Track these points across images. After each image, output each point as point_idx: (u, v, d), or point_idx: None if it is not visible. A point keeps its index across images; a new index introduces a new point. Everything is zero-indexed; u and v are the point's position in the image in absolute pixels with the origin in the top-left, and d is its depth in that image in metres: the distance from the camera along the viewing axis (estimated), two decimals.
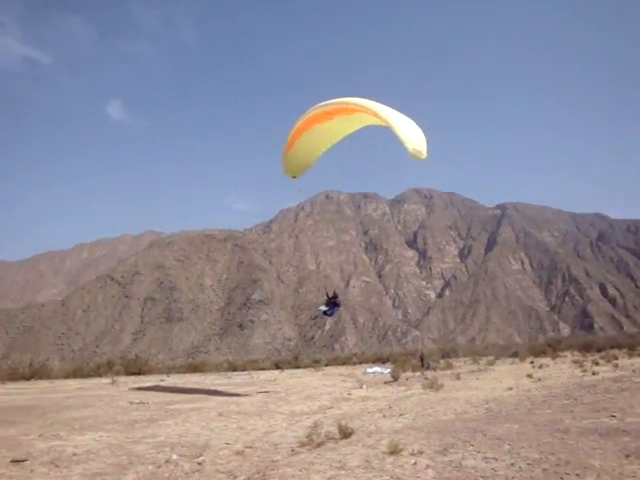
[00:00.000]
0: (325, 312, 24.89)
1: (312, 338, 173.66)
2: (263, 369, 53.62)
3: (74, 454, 10.06)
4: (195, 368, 52.35)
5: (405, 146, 17.72)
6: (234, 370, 51.91)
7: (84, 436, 12.28)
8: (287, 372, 44.88)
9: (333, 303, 24.96)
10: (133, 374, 44.51)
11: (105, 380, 36.94)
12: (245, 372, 48.27)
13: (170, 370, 49.79)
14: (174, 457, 9.88)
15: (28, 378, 42.87)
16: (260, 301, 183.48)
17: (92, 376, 44.80)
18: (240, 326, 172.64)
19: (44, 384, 36.30)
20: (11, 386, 34.36)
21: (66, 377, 44.24)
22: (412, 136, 18.30)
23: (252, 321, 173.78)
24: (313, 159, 24.18)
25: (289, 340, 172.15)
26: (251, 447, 10.85)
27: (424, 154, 18.27)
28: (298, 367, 53.87)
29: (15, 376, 43.55)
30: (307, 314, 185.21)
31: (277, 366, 55.87)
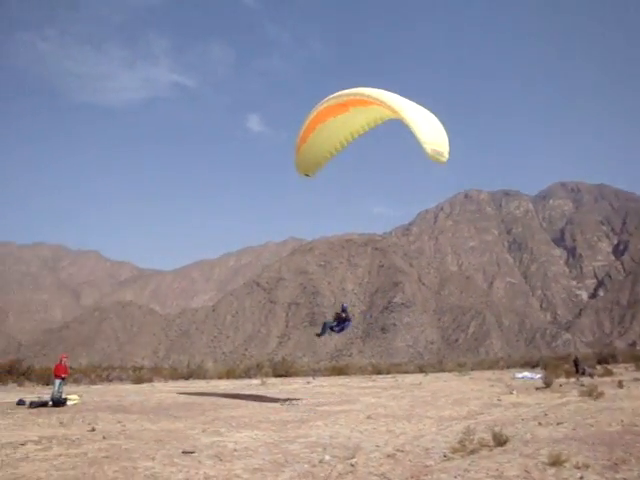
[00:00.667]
0: (332, 327, 23.23)
1: (456, 341, 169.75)
2: (407, 372, 53.24)
3: (235, 450, 10.64)
4: (339, 371, 53.21)
5: (423, 147, 15.61)
6: (378, 373, 52.01)
7: (241, 433, 12.94)
8: (432, 376, 44.21)
9: (343, 319, 23.44)
10: (280, 376, 46.19)
11: (255, 381, 38.72)
12: (389, 375, 48.24)
13: (315, 372, 51.06)
14: (327, 457, 10.08)
15: (186, 378, 46.12)
16: (402, 304, 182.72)
17: (243, 377, 47.18)
18: (382, 329, 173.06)
19: (201, 383, 38.83)
20: (173, 385, 37.16)
21: (219, 378, 46.95)
22: (431, 135, 16.08)
23: (394, 324, 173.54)
24: (328, 156, 21.84)
25: (432, 343, 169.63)
26: (402, 451, 10.79)
27: (445, 156, 16.08)
28: (443, 371, 52.86)
29: (175, 375, 47.09)
30: (449, 317, 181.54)
31: (421, 370, 55.22)
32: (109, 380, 43.14)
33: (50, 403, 19.89)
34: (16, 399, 21.35)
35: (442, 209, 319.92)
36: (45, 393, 22.52)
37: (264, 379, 37.70)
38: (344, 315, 23.40)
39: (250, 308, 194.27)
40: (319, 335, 24.38)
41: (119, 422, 14.91)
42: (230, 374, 48.66)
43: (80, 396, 22.28)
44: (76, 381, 32.92)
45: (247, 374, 48.94)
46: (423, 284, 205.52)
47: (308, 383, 35.77)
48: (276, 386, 32.95)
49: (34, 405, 19.72)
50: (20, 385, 34.82)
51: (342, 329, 23.64)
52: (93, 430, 13.25)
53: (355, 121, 20.25)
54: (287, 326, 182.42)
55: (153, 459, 9.68)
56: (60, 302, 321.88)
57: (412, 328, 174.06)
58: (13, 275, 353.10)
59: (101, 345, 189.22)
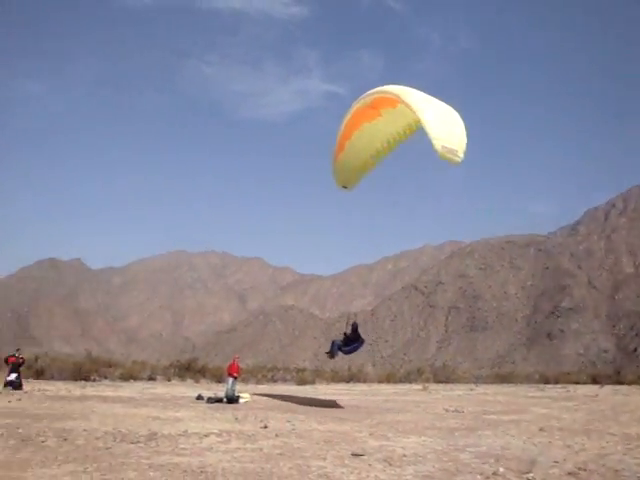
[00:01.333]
0: (339, 347, 21.50)
1: (634, 351, 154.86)
2: (578, 383, 49.58)
3: (404, 455, 10.55)
4: (503, 378, 51.08)
5: (433, 144, 13.77)
6: (546, 382, 49.07)
7: (409, 439, 12.81)
8: (608, 388, 40.71)
9: (352, 339, 21.57)
10: (441, 382, 45.41)
11: (416, 386, 38.44)
12: (559, 385, 45.29)
13: (477, 379, 49.45)
14: (501, 470, 9.60)
15: (347, 381, 46.98)
16: (570, 309, 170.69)
17: (403, 382, 47.11)
18: (548, 336, 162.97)
19: (362, 387, 39.32)
20: (334, 387, 38.03)
21: (380, 381, 47.28)
22: (445, 132, 14.39)
23: (562, 330, 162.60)
24: (367, 167, 19.69)
25: (605, 352, 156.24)
26: (585, 469, 9.97)
27: (459, 156, 14.08)
28: (620, 383, 48.40)
29: (337, 378, 48.17)
30: (626, 323, 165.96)
31: (594, 380, 51.07)
32: (274, 380, 45.30)
33: (225, 400, 21.28)
34: (195, 394, 23.17)
35: (614, 206, 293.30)
36: (219, 390, 24.14)
37: (425, 384, 37.23)
38: (353, 335, 21.78)
39: (408, 312, 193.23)
40: (329, 354, 22.55)
41: (288, 421, 15.51)
42: (390, 378, 48.79)
43: (251, 395, 23.56)
44: (244, 380, 34.96)
45: (407, 379, 48.76)
46: (594, 287, 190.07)
47: (471, 390, 34.70)
48: (438, 392, 32.38)
49: (211, 401, 21.24)
50: (196, 382, 37.80)
51: (351, 351, 22.05)
52: (266, 427, 13.91)
53: (390, 128, 18.60)
54: (447, 331, 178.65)
55: (324, 459, 9.90)
56: (228, 306, 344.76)
57: (582, 335, 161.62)
58: (187, 281, 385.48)
59: (265, 347, 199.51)
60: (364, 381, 47.22)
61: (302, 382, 42.54)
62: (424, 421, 16.56)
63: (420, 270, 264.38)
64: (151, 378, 37.29)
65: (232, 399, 21.34)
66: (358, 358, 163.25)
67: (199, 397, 22.28)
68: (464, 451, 11.28)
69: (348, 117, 19.01)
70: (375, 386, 40.82)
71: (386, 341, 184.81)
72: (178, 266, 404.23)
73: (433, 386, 38.26)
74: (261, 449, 10.73)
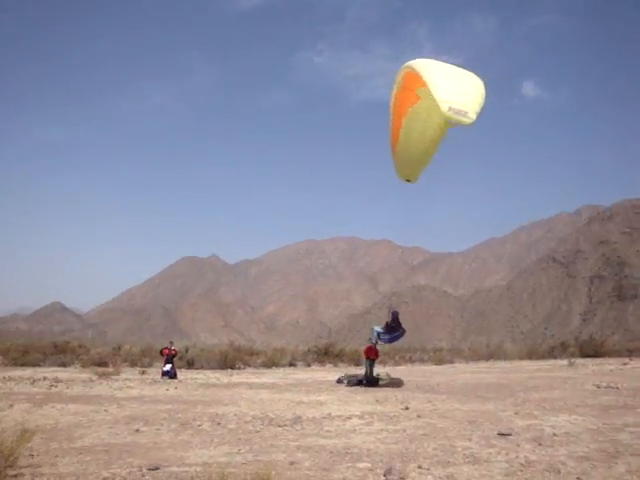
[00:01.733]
0: (379, 335, 21.33)
1: None
2: None
3: (554, 434, 10.06)
4: None
5: (439, 105, 11.97)
6: None
7: (558, 417, 12.21)
8: None
9: (392, 327, 21.33)
10: (589, 356, 42.75)
11: (561, 362, 36.52)
12: None
13: (631, 353, 45.97)
14: None
15: (487, 359, 45.75)
16: None
17: (546, 357, 44.96)
18: None
19: (502, 364, 38.08)
20: (474, 366, 37.19)
21: (520, 358, 45.48)
22: (453, 93, 12.39)
23: None
24: (429, 156, 17.24)
25: None
26: None
27: (470, 117, 11.91)
28: None
29: (475, 357, 47.10)
30: None
31: None
32: (412, 361, 45.16)
33: (364, 382, 21.54)
34: (335, 378, 23.68)
35: None
36: (357, 373, 24.44)
37: (571, 359, 35.24)
38: (393, 324, 21.58)
39: (547, 285, 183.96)
40: (373, 342, 22.25)
41: (429, 402, 15.40)
42: (532, 354, 46.78)
43: (390, 376, 23.64)
44: (381, 362, 35.17)
45: (551, 354, 46.49)
46: None
47: (624, 364, 32.34)
48: (586, 367, 30.55)
49: (351, 384, 21.60)
50: (335, 366, 38.60)
51: (392, 340, 22.06)
52: (407, 409, 13.91)
53: (433, 112, 15.88)
54: (591, 302, 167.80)
55: (469, 439, 9.71)
56: (359, 290, 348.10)
57: None
58: (318, 268, 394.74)
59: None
60: (504, 358, 45.71)
61: (440, 362, 42.07)
62: (574, 398, 15.70)
63: (557, 239, 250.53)
64: (291, 364, 38.64)
65: (372, 381, 21.56)
66: (495, 334, 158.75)
67: (339, 380, 22.73)
68: (623, 431, 10.54)
69: (392, 102, 17.23)
70: (516, 363, 39.35)
71: (525, 316, 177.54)
72: (309, 254, 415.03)
73: (580, 361, 36.09)
74: (404, 430, 10.75)
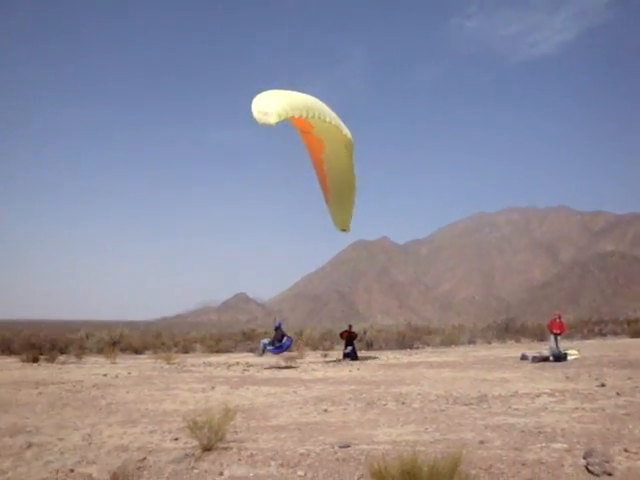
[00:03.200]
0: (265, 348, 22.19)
1: None
2: None
3: None
4: None
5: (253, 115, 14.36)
6: None
7: None
8: None
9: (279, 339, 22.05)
10: None
11: None
12: None
13: None
14: None
15: None
16: None
17: None
18: None
19: None
20: None
21: None
22: (263, 101, 15.05)
23: None
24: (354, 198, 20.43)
25: None
26: None
27: (272, 118, 14.44)
28: None
29: None
30: None
31: None
32: (602, 334, 41.94)
33: (551, 358, 20.42)
34: (518, 354, 22.73)
35: None
36: (542, 349, 23.25)
37: None
38: (279, 338, 22.20)
39: None
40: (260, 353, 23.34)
41: (629, 378, 14.17)
42: None
43: (579, 351, 22.19)
44: (568, 337, 33.04)
45: None
46: None
47: None
48: None
49: (536, 360, 20.58)
50: (517, 342, 37.10)
51: (279, 349, 22.25)
52: (603, 386, 12.94)
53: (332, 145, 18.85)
54: None
55: None
56: (537, 261, 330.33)
57: None
58: (491, 241, 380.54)
59: (586, 299, 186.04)
60: None
61: (636, 334, 38.47)
62: None
63: None
64: (471, 342, 37.82)
65: (559, 357, 20.38)
66: None
67: (523, 357, 21.78)
68: None
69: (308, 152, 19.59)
70: None
71: None
72: (479, 228, 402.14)
73: None
74: (603, 409, 10.00)
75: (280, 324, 22.99)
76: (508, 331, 40.75)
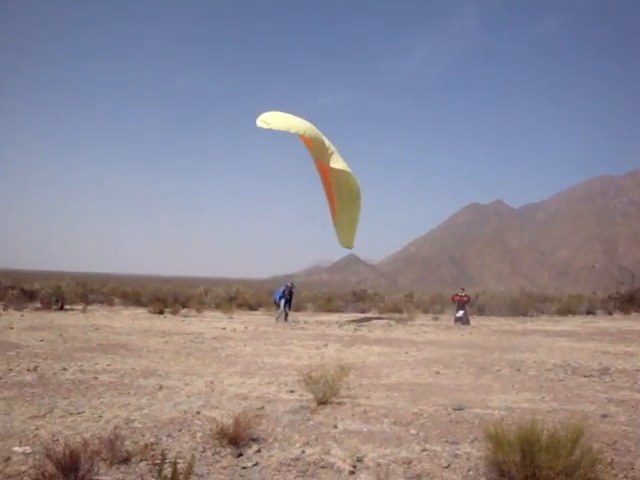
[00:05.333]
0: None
1: None
2: None
3: None
4: None
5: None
6: None
7: None
8: None
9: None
10: None
11: None
12: None
13: None
14: None
15: None
16: None
17: None
18: None
19: None
20: None
21: None
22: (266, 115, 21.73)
23: None
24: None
25: None
26: None
27: (267, 123, 21.04)
28: None
29: None
30: None
31: None
32: None
33: None
34: None
35: None
36: None
37: None
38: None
39: None
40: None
41: None
42: None
43: None
44: None
45: None
46: None
47: None
48: None
49: None
50: None
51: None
52: None
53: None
54: None
55: None
56: None
57: None
58: (616, 207, 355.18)
59: None
60: None
61: None
62: None
63: None
64: (589, 312, 35.96)
65: None
66: None
67: None
68: None
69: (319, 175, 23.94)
70: None
71: None
72: (603, 192, 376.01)
73: None
74: None
75: (292, 285, 25.33)
76: (632, 303, 38.18)
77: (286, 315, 24.52)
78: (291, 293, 24.94)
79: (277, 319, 24.26)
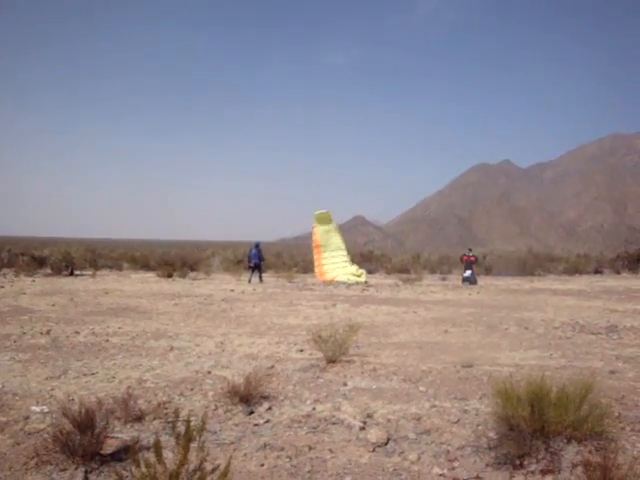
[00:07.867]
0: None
1: None
2: None
3: None
4: None
5: None
6: None
7: None
8: None
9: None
10: None
11: None
12: None
13: None
14: None
15: None
16: None
17: None
18: None
19: None
20: None
21: None
22: None
23: None
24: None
25: None
26: None
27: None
28: None
29: None
30: None
31: None
32: None
33: None
34: None
35: None
36: None
37: None
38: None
39: None
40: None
41: None
42: None
43: None
44: None
45: None
46: None
47: None
48: None
49: None
50: None
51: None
52: None
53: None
54: None
55: None
56: None
57: None
58: (626, 166, 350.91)
59: None
60: None
61: None
62: None
63: None
64: (597, 271, 35.98)
65: None
66: None
67: None
68: None
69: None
70: None
71: None
72: (613, 151, 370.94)
73: None
74: None
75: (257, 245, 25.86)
76: None
77: (260, 276, 25.03)
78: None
79: (250, 281, 24.46)
